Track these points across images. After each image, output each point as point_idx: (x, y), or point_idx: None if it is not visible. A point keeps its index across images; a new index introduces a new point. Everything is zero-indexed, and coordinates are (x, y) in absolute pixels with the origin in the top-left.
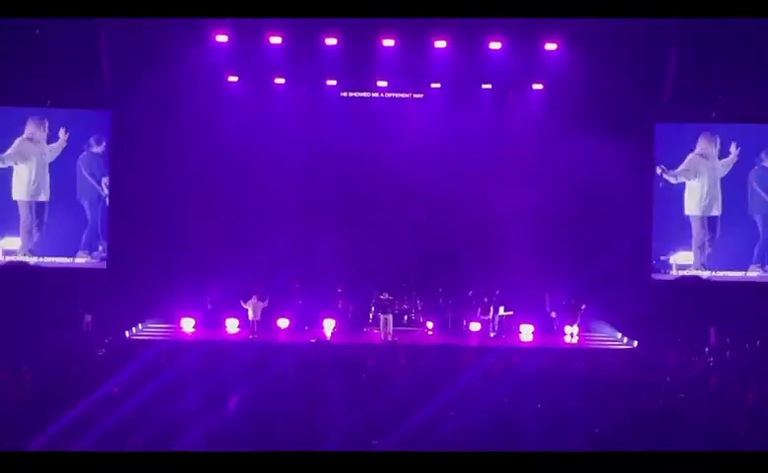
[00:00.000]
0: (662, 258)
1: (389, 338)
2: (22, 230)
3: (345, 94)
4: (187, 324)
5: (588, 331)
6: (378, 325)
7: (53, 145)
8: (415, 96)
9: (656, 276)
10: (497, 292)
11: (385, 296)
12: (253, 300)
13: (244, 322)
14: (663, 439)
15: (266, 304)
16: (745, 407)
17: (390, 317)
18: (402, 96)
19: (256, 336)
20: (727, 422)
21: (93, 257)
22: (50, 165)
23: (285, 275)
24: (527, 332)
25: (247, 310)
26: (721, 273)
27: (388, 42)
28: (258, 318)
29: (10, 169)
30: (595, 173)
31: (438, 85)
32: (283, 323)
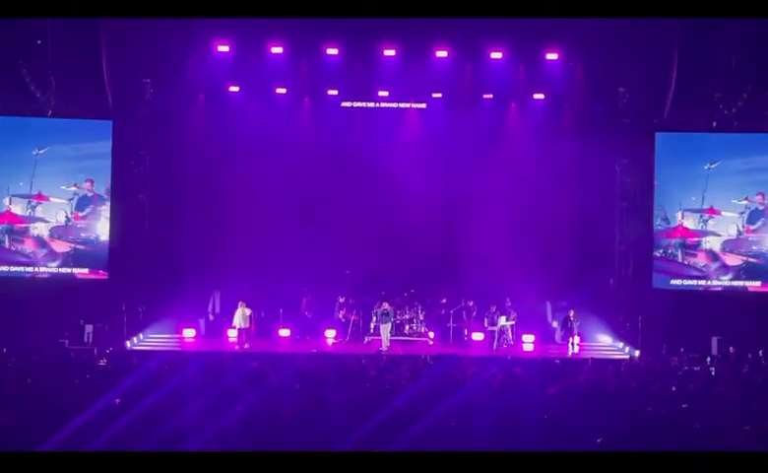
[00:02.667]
0: None
1: (387, 347)
2: None
3: (347, 104)
4: (189, 334)
5: (589, 341)
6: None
7: None
8: (414, 105)
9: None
10: (493, 308)
11: (385, 306)
12: (240, 307)
13: (245, 332)
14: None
15: (250, 312)
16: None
17: (389, 326)
18: (403, 106)
19: (247, 346)
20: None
21: None
22: None
23: (286, 284)
24: (528, 342)
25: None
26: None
27: (389, 52)
28: (247, 326)
29: None
30: (596, 183)
31: (440, 95)
32: (284, 333)
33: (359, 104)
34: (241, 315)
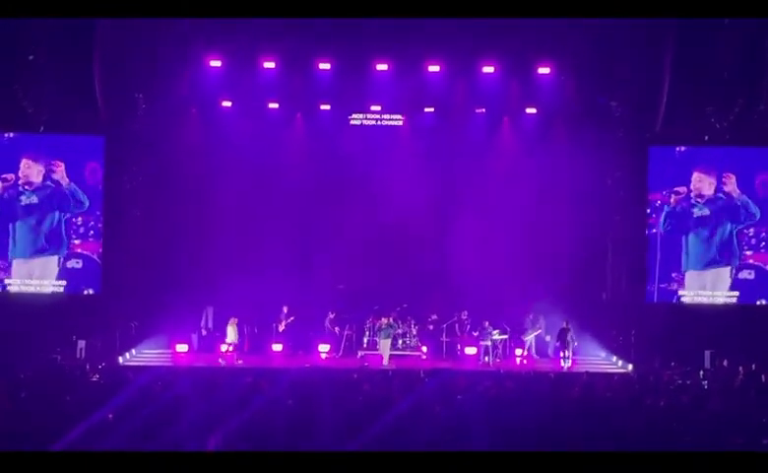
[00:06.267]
0: None
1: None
2: None
3: (357, 120)
4: (181, 350)
5: (582, 355)
6: (374, 349)
7: None
8: (394, 119)
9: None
10: (486, 323)
11: (387, 320)
12: (232, 323)
13: (238, 347)
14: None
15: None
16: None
17: (389, 341)
18: (395, 119)
19: (240, 362)
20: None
21: None
22: None
23: (279, 299)
24: (520, 356)
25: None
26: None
27: (382, 67)
28: (237, 341)
29: None
30: (589, 197)
31: (432, 109)
32: (277, 348)
33: (352, 118)
34: (234, 331)
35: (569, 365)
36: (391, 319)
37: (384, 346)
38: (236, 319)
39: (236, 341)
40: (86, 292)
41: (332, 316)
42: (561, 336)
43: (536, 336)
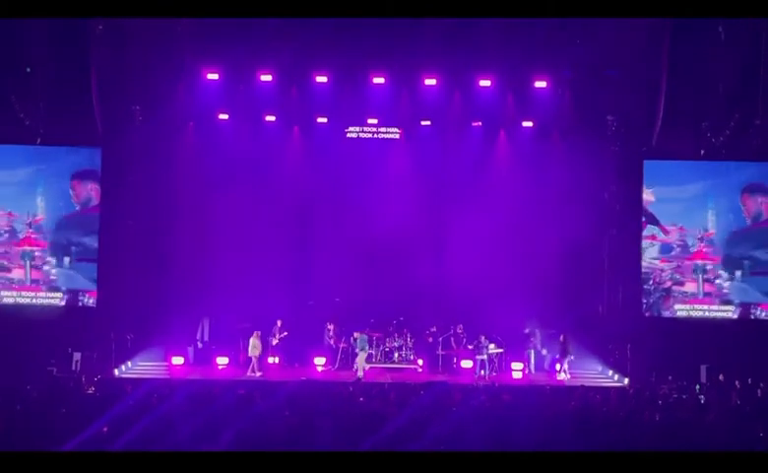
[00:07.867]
0: None
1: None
2: None
3: (353, 133)
4: (177, 362)
5: (578, 368)
6: (369, 361)
7: None
8: (390, 132)
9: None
10: (482, 336)
11: (356, 334)
12: (255, 336)
13: (234, 360)
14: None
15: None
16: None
17: (363, 355)
18: (390, 132)
19: (260, 374)
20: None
21: None
22: None
23: (275, 312)
24: (517, 370)
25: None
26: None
27: (378, 80)
28: (260, 353)
29: None
30: (585, 210)
31: (428, 122)
32: (272, 360)
33: (348, 132)
34: (257, 344)
35: (566, 378)
36: (357, 333)
37: (360, 359)
38: (260, 332)
39: (259, 353)
40: None
41: (330, 329)
42: (559, 350)
43: (534, 352)
